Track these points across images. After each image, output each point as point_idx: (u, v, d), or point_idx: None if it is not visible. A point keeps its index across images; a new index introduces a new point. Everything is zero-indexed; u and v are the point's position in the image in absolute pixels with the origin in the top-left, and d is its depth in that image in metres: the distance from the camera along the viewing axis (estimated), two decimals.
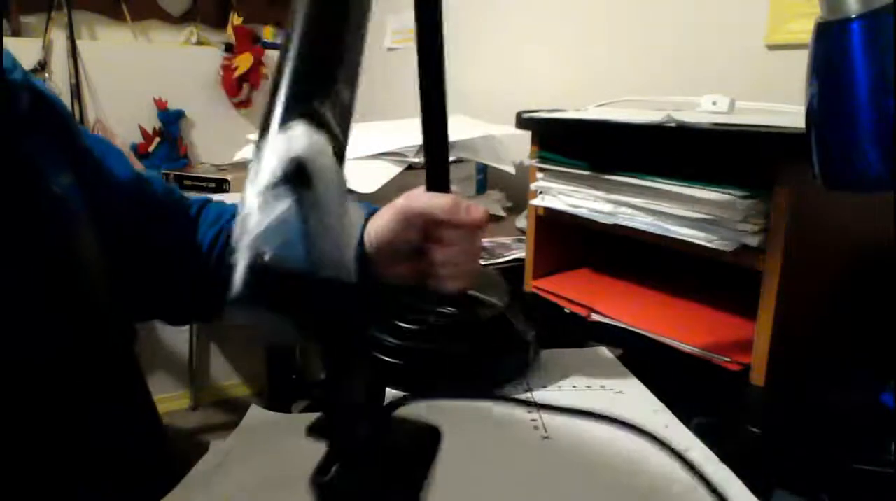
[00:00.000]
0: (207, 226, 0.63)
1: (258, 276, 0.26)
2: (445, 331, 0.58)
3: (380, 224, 0.56)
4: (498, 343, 0.59)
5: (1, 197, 0.44)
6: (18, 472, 0.44)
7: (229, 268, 0.26)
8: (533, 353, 0.61)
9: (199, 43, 2.07)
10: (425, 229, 0.55)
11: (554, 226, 0.82)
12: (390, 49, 1.86)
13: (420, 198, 0.55)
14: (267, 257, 0.26)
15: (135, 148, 1.92)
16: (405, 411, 0.52)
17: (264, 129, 0.29)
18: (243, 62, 2.03)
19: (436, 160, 0.58)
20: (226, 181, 1.71)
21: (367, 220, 0.57)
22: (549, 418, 0.52)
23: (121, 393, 0.53)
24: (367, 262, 0.56)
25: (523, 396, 0.55)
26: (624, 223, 0.69)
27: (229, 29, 2.04)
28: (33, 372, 0.44)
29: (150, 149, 1.96)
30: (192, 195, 0.67)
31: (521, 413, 0.53)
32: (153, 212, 0.61)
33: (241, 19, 2.04)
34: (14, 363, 0.43)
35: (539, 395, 0.55)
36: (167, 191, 0.64)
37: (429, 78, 0.54)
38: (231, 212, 0.65)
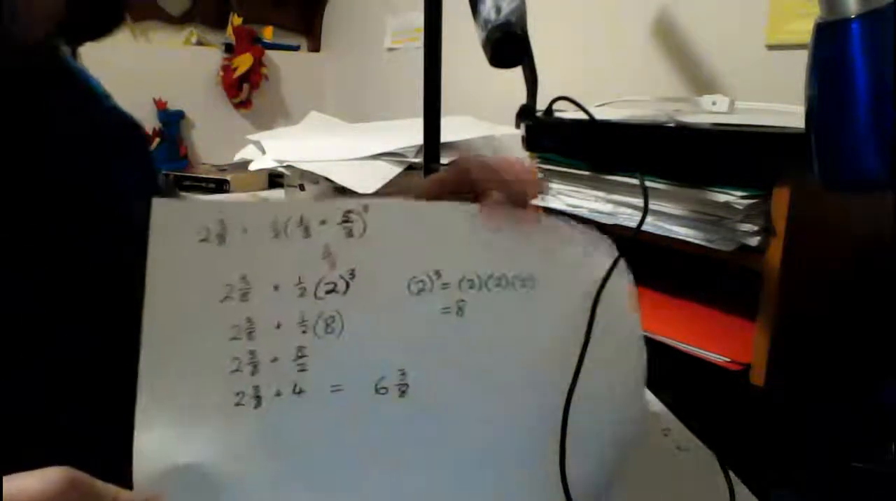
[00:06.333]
0: None
1: None
2: None
3: None
4: None
5: (96, 227, 0.47)
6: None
7: None
8: None
9: (199, 43, 2.07)
10: None
11: None
12: (390, 49, 1.86)
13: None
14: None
15: None
16: None
17: None
18: (243, 62, 2.03)
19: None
20: (226, 181, 1.70)
21: None
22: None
23: None
24: None
25: None
26: (624, 223, 0.69)
27: (229, 29, 2.04)
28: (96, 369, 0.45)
29: (150, 149, 1.96)
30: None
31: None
32: None
33: (241, 19, 2.04)
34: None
35: None
36: None
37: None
38: None
